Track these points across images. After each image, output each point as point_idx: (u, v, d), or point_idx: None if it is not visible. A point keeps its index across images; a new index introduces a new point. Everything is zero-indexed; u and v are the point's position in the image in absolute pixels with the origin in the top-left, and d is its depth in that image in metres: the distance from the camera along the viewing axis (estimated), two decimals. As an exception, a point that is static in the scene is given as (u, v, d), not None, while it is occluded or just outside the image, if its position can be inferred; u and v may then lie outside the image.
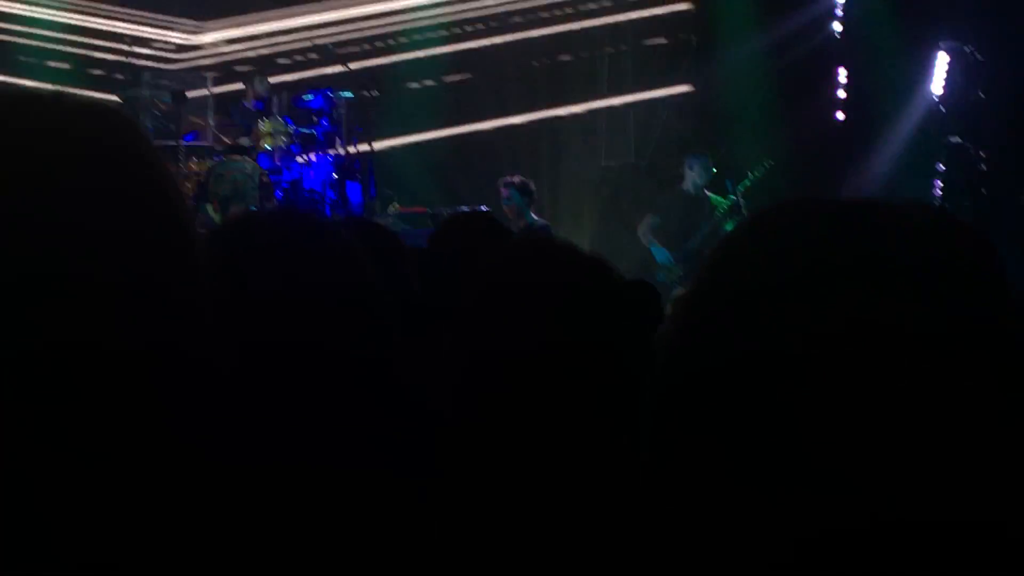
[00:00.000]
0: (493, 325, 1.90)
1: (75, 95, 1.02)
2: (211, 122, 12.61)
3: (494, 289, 1.94)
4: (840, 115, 13.10)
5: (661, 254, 10.77)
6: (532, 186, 10.66)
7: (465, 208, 11.57)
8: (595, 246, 12.73)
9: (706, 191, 11.02)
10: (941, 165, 12.41)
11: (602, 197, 13.66)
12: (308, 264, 1.58)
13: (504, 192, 10.53)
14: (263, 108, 12.53)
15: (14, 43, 13.98)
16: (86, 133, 0.99)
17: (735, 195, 11.07)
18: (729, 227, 10.29)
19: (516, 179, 10.65)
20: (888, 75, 12.56)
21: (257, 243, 1.57)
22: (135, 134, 1.00)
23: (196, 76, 13.15)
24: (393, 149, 13.74)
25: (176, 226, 1.00)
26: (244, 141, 12.35)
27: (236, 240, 1.56)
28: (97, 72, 13.97)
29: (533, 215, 10.48)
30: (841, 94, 13.11)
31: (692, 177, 11.04)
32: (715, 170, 11.17)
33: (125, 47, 13.11)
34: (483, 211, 8.48)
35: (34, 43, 14.03)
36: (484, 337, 1.89)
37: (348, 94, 12.80)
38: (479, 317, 1.91)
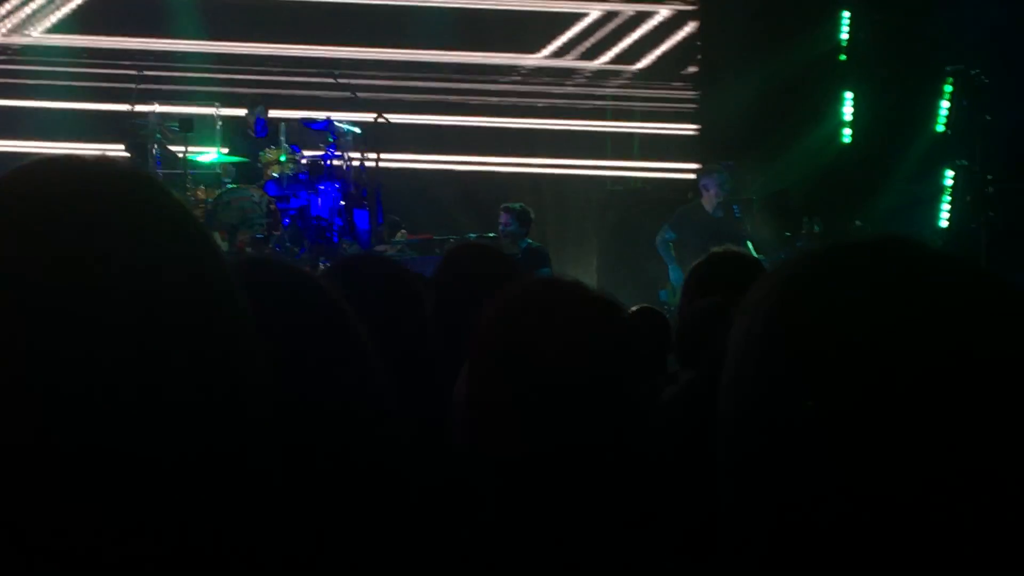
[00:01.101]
0: (504, 369, 1.90)
1: (108, 158, 1.06)
2: (219, 149, 12.63)
3: (503, 333, 1.94)
4: (847, 138, 13.12)
5: (675, 273, 10.75)
6: (531, 214, 10.97)
7: (472, 236, 11.65)
8: (602, 270, 12.75)
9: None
10: (947, 187, 12.42)
11: (608, 221, 13.66)
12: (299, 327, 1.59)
13: (503, 218, 10.79)
14: (268, 135, 12.57)
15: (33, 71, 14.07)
16: (128, 198, 1.03)
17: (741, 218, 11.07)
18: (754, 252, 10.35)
19: (517, 206, 10.90)
20: (894, 99, 12.58)
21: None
22: (170, 197, 1.05)
23: (204, 104, 13.19)
24: (400, 175, 13.76)
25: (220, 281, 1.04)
26: (251, 170, 12.38)
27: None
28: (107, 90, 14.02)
29: (528, 239, 10.82)
30: (847, 118, 13.12)
31: (709, 197, 11.03)
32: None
33: (135, 74, 13.17)
34: (484, 242, 8.59)
35: (46, 68, 14.10)
36: (496, 382, 1.89)
37: (356, 130, 12.83)
38: (489, 363, 1.91)
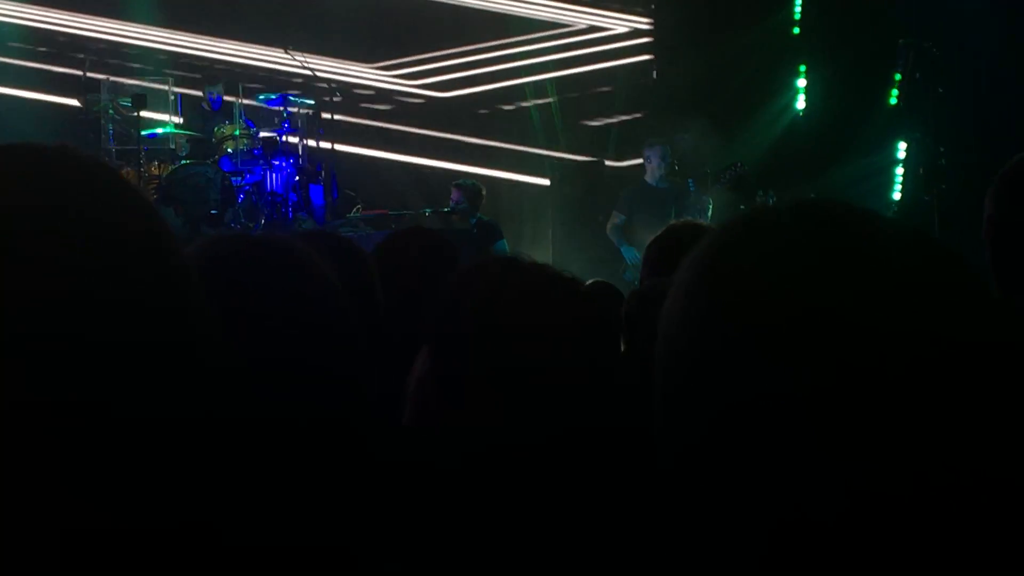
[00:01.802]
0: (463, 345, 1.90)
1: (69, 148, 1.07)
2: (172, 125, 12.55)
3: (460, 310, 1.94)
4: (801, 112, 13.17)
5: (629, 253, 10.80)
6: (483, 191, 11.00)
7: (428, 211, 11.66)
8: (558, 244, 12.76)
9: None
10: (900, 160, 12.49)
11: (564, 193, 13.66)
12: (281, 286, 1.62)
13: (455, 194, 10.95)
14: (221, 104, 12.50)
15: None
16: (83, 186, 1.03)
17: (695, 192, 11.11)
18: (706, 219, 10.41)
19: (468, 183, 11.04)
20: (848, 72, 12.63)
21: (232, 270, 1.60)
22: (125, 185, 1.06)
23: (157, 80, 13.09)
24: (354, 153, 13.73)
25: (169, 260, 1.05)
26: (206, 146, 12.32)
27: (216, 266, 1.59)
28: (59, 70, 13.89)
29: (480, 214, 10.97)
30: (801, 90, 13.17)
31: (652, 168, 11.08)
32: (674, 162, 11.21)
33: (84, 57, 13.06)
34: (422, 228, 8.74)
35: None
36: (452, 357, 1.90)
37: (310, 101, 12.79)
38: (446, 338, 1.92)
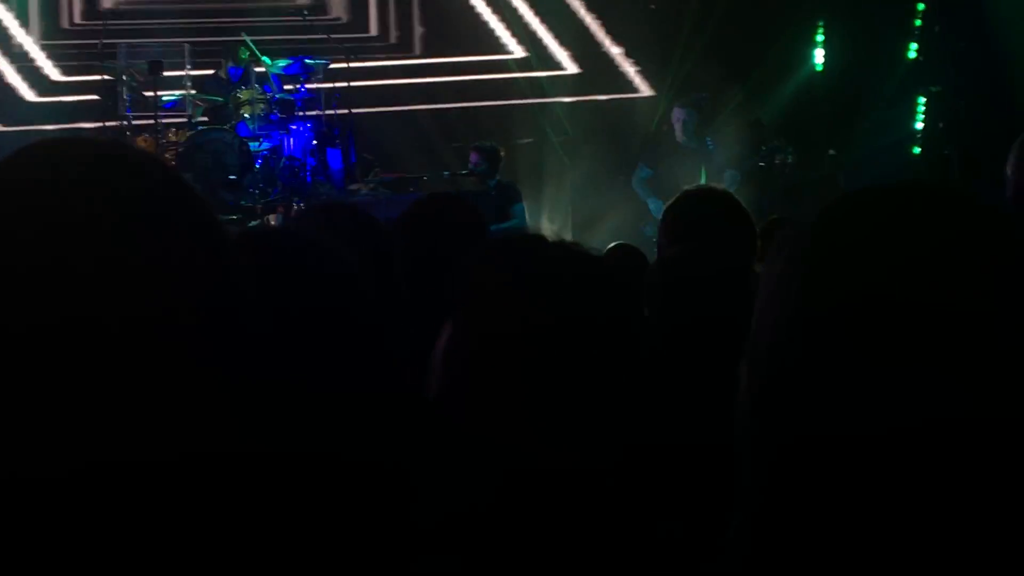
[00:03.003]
0: (484, 319, 1.91)
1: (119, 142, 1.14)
2: (189, 92, 12.54)
3: (479, 288, 1.95)
4: (820, 66, 13.09)
5: (656, 204, 10.78)
6: (501, 153, 10.98)
7: (446, 174, 11.65)
8: (580, 203, 12.72)
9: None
10: (920, 114, 12.44)
11: (586, 154, 13.63)
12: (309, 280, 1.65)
13: (473, 157, 10.93)
14: (240, 76, 12.49)
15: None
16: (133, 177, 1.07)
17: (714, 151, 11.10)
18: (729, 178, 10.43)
19: (487, 145, 11.02)
20: (867, 25, 12.55)
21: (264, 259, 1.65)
22: (167, 173, 1.10)
23: (173, 46, 13.07)
24: (372, 115, 13.70)
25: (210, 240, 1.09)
26: (223, 111, 12.31)
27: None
28: (74, 42, 13.88)
29: (498, 176, 10.89)
30: (820, 46, 13.10)
31: (680, 128, 11.09)
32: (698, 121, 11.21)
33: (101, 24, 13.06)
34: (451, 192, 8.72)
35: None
36: (474, 332, 1.90)
37: (324, 60, 12.78)
38: (467, 320, 1.92)
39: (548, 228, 11.05)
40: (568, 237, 2.05)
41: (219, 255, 1.08)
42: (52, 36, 14.02)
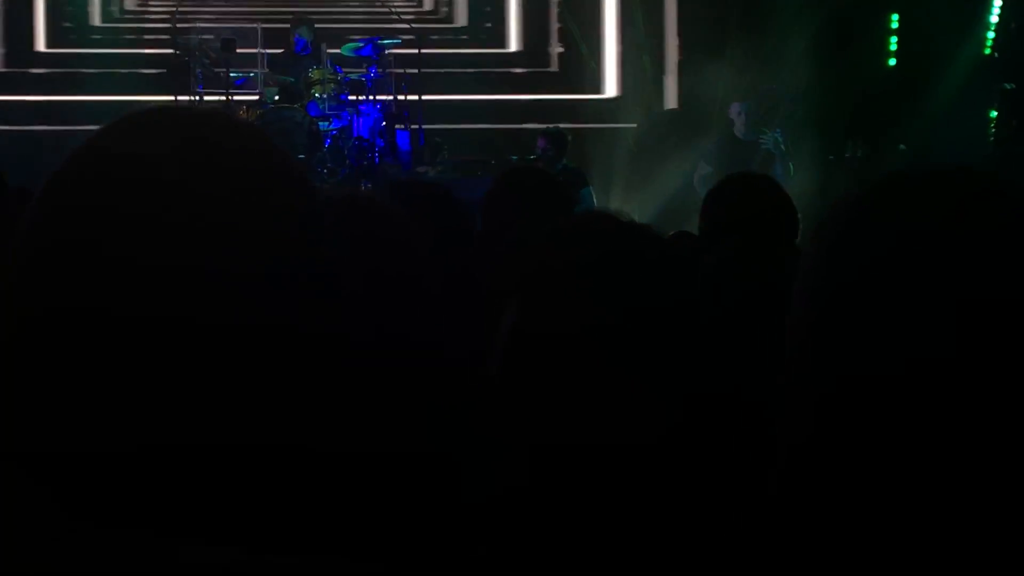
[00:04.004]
0: (550, 302, 1.92)
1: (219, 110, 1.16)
2: (261, 70, 12.62)
3: (549, 268, 1.95)
4: (892, 60, 12.98)
5: None
6: (568, 138, 10.95)
7: (514, 158, 11.67)
8: (632, 192, 12.68)
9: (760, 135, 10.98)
10: (994, 112, 12.30)
11: (648, 145, 13.58)
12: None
13: (540, 142, 10.93)
14: (311, 55, 12.55)
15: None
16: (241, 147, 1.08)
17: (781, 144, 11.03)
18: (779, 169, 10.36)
19: (553, 130, 11.01)
20: (940, 21, 12.42)
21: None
22: (271, 145, 1.11)
23: (246, 29, 13.17)
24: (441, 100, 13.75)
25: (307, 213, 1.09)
26: (293, 90, 12.38)
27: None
28: (150, 26, 14.02)
29: (565, 161, 10.83)
30: (893, 40, 12.97)
31: (741, 123, 11.04)
32: (762, 114, 11.13)
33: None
34: (535, 167, 8.69)
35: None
36: (542, 314, 1.91)
37: (397, 40, 12.83)
38: (537, 295, 1.93)
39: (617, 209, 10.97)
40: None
41: (319, 219, 1.10)
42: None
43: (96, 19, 14.72)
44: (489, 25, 15.99)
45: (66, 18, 14.41)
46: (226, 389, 1.00)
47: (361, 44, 12.62)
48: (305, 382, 1.04)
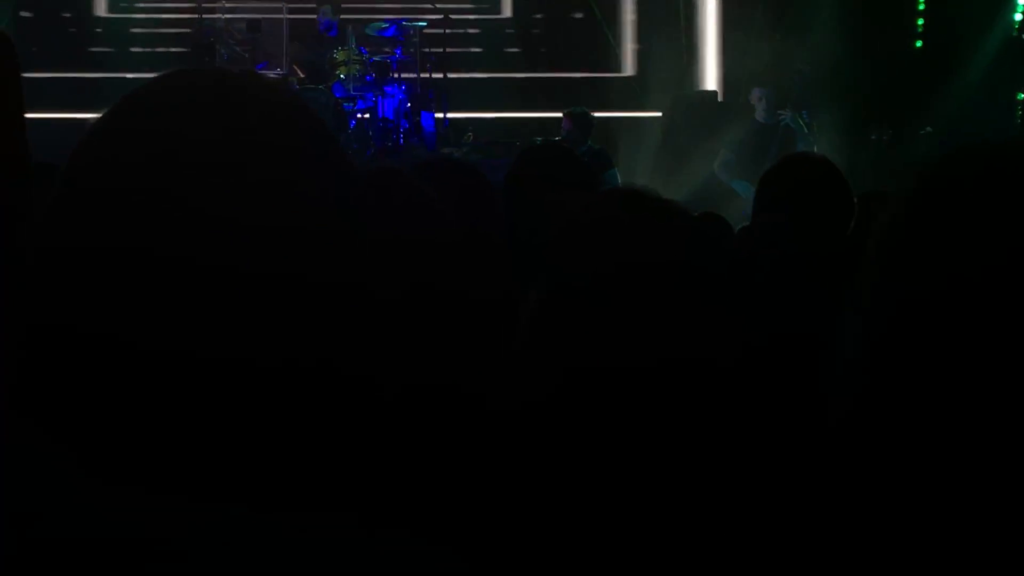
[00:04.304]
0: (583, 270, 1.93)
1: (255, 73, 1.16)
2: (286, 51, 12.65)
3: (581, 238, 1.96)
4: (919, 43, 12.91)
5: (742, 187, 10.70)
6: (593, 120, 10.89)
7: (538, 140, 11.65)
8: (657, 178, 12.66)
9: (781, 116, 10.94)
10: (1022, 94, 12.23)
11: (674, 127, 13.54)
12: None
13: (565, 123, 10.89)
14: (336, 36, 12.57)
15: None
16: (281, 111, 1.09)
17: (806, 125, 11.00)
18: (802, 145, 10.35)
19: (578, 111, 10.98)
20: (968, 2, 12.35)
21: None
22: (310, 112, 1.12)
23: (271, 6, 13.19)
24: (465, 80, 13.75)
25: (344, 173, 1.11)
26: (319, 71, 12.40)
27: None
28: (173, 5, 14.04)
29: (589, 142, 10.80)
30: (920, 22, 12.91)
31: (762, 107, 11.01)
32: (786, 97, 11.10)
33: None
34: (558, 143, 8.67)
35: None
36: (563, 293, 1.92)
37: (422, 24, 12.83)
38: (560, 272, 1.94)
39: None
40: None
41: (354, 174, 1.12)
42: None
43: (102, 9, 14.65)
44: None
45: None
46: (263, 330, 1.01)
47: (386, 25, 12.62)
48: (339, 327, 1.05)
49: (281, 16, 12.90)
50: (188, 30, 13.00)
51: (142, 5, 14.33)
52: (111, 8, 14.54)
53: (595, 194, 2.06)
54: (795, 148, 10.43)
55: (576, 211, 1.99)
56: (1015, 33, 12.25)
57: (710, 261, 1.94)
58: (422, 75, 12.79)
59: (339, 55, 12.25)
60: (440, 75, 12.83)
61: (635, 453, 1.77)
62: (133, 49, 13.30)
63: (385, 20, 12.70)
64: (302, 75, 12.46)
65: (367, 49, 12.53)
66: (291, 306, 1.02)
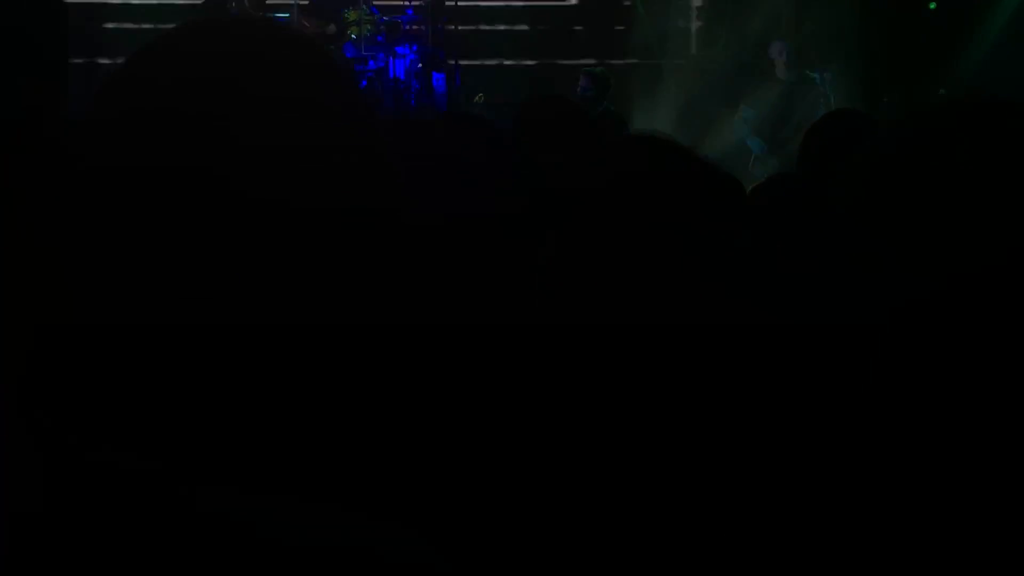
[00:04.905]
0: (600, 218, 1.92)
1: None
2: (297, 11, 12.60)
3: (603, 183, 1.96)
4: (932, 5, 12.85)
5: (756, 145, 10.67)
6: (610, 79, 10.77)
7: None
8: (678, 135, 12.61)
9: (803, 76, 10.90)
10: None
11: (691, 86, 13.47)
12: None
13: (583, 81, 10.71)
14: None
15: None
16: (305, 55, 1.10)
17: (823, 84, 10.96)
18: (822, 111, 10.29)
19: (598, 70, 10.81)
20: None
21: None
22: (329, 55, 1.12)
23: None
24: (478, 37, 13.70)
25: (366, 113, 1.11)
26: (330, 30, 12.35)
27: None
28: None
29: (605, 103, 10.64)
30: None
31: (782, 63, 10.94)
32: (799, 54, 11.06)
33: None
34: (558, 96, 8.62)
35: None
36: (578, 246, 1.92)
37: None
38: (576, 224, 1.93)
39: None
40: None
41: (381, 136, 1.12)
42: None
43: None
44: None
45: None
46: (275, 260, 1.00)
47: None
48: (359, 256, 1.05)
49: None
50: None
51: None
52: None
53: (613, 144, 2.04)
54: (819, 110, 10.39)
55: (594, 165, 1.99)
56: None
57: (726, 223, 1.93)
58: (436, 27, 12.75)
59: (350, 15, 12.21)
60: (452, 27, 12.78)
61: (636, 422, 1.77)
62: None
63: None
64: (308, 26, 12.40)
65: (378, 9, 12.48)
66: (331, 233, 1.02)
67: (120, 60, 1.06)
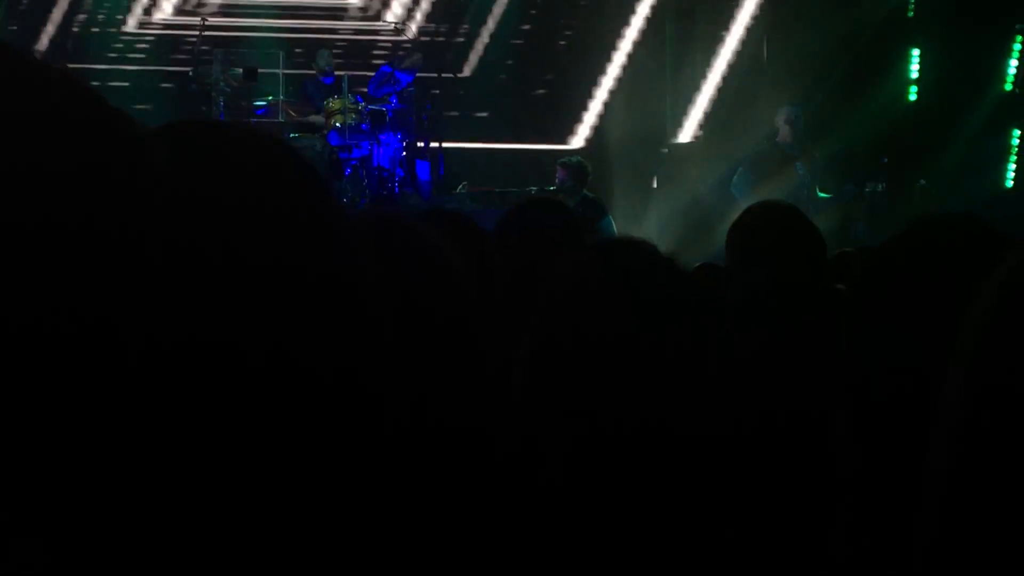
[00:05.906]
0: (573, 322, 1.92)
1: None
2: (282, 98, 12.68)
3: (574, 288, 1.96)
4: (913, 95, 12.96)
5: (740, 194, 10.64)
6: (588, 169, 10.93)
7: (533, 189, 11.67)
8: (654, 222, 12.67)
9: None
10: (1015, 148, 12.28)
11: (671, 173, 13.55)
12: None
13: (560, 174, 10.92)
14: (332, 84, 12.61)
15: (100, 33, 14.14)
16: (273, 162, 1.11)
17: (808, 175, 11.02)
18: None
19: (573, 160, 11.00)
20: (962, 57, 12.41)
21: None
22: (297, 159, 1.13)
23: (267, 53, 13.23)
24: (461, 126, 13.81)
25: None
26: (315, 119, 12.43)
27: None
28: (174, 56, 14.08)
29: (584, 192, 10.84)
30: (914, 75, 12.95)
31: (787, 131, 10.97)
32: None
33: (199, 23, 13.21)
34: (550, 197, 8.69)
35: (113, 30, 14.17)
36: (564, 332, 1.92)
37: (410, 79, 12.89)
38: (559, 315, 1.93)
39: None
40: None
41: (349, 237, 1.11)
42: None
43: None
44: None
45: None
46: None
47: (374, 75, 12.70)
48: (336, 371, 1.05)
49: (278, 58, 12.96)
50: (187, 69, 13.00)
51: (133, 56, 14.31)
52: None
53: (580, 252, 2.05)
54: (805, 192, 10.44)
55: (561, 272, 1.99)
56: (1009, 87, 12.31)
57: (690, 331, 1.93)
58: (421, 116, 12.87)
59: (334, 104, 12.28)
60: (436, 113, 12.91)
61: (630, 507, 1.76)
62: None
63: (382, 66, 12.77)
64: (293, 114, 12.48)
65: (362, 98, 12.57)
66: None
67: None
